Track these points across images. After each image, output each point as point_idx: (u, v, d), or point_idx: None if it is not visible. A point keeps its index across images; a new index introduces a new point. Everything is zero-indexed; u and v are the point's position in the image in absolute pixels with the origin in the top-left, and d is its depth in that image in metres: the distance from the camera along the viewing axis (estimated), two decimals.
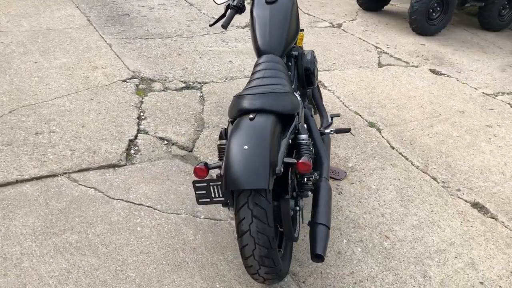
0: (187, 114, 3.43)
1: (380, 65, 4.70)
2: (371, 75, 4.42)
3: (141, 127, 3.22)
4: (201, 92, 3.76)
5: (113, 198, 2.57)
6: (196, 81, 3.91)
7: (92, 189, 2.61)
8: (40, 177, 2.64)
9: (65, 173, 2.70)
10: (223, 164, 1.88)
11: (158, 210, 2.53)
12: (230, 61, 4.35)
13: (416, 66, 4.77)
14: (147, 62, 4.10)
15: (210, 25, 2.93)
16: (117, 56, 4.10)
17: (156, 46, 4.43)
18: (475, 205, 2.84)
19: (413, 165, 3.16)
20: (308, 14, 5.93)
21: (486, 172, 3.16)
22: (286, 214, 1.96)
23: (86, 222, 2.38)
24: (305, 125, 2.23)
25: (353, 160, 3.14)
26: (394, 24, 5.97)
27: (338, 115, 2.92)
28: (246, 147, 1.85)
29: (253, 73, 2.38)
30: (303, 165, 1.87)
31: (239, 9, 2.73)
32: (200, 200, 2.05)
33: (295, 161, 1.90)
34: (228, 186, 1.82)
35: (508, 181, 3.09)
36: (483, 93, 4.35)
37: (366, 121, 3.64)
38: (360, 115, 3.70)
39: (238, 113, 2.09)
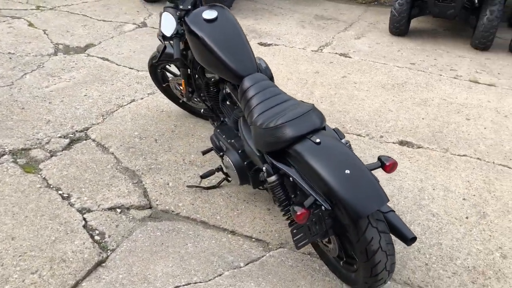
0: (107, 170, 2.92)
1: None
2: None
3: (77, 206, 2.61)
4: (93, 140, 3.20)
5: None
6: (76, 131, 3.29)
7: None
8: None
9: None
10: (333, 196, 1.79)
11: (200, 282, 2.21)
12: (85, 95, 3.75)
13: None
14: None
15: (156, 62, 2.53)
16: None
17: None
18: (401, 143, 3.37)
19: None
20: (104, 21, 5.43)
21: (380, 114, 3.72)
22: None
23: None
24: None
25: None
26: None
27: None
28: (347, 171, 1.81)
29: (249, 99, 2.22)
30: (392, 166, 1.93)
31: (182, 35, 2.44)
32: (299, 245, 1.92)
33: (379, 165, 1.95)
34: (354, 215, 1.76)
35: (399, 114, 3.71)
36: (312, 51, 4.93)
37: None
38: None
39: (286, 143, 1.98)
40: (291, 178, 1.98)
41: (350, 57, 4.79)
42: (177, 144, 3.22)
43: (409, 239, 2.03)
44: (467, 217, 2.68)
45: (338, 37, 5.37)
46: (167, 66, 3.28)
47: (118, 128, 3.35)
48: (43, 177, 2.81)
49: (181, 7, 2.52)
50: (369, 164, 1.99)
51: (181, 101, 3.48)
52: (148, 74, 4.11)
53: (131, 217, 2.58)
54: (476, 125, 3.63)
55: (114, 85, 3.94)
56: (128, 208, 2.65)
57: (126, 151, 3.11)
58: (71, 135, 3.24)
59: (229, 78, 2.37)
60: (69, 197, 2.67)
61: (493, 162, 3.17)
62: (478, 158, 3.21)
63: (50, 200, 2.63)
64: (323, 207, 1.83)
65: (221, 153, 2.60)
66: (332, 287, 2.21)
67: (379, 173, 2.88)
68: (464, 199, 2.83)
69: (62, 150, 3.07)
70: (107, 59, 4.40)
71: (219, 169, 2.69)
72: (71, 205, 2.61)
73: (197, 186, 2.80)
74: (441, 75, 4.50)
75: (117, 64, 4.31)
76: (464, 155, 3.23)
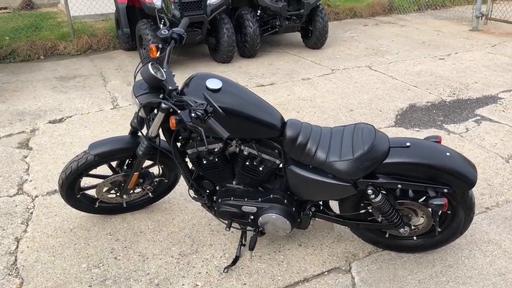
0: None
1: None
2: None
3: None
4: None
5: None
6: None
7: None
8: None
9: None
10: (451, 177, 2.18)
11: None
12: None
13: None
14: None
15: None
16: None
17: None
18: None
19: None
20: None
21: None
22: None
23: None
24: None
25: None
26: None
27: None
28: (448, 153, 2.22)
29: (305, 144, 2.26)
30: (440, 142, 2.43)
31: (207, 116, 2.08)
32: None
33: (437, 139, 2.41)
34: (472, 183, 2.20)
35: None
36: (111, 109, 4.62)
37: None
38: None
39: (380, 161, 2.21)
40: (399, 185, 2.22)
41: None
42: (142, 248, 2.70)
43: None
44: None
45: (114, 90, 5.16)
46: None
47: (54, 273, 2.50)
48: None
49: (170, 87, 2.20)
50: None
51: (97, 205, 2.86)
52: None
53: None
54: (308, 113, 4.44)
55: None
56: None
57: (104, 286, 2.42)
58: None
59: (267, 134, 2.28)
60: None
61: None
62: None
63: None
64: (445, 190, 2.20)
65: (252, 217, 2.47)
66: (420, 257, 2.57)
67: None
68: None
69: None
70: None
71: (257, 232, 2.54)
72: None
73: (230, 266, 2.54)
74: None
75: None
76: None
